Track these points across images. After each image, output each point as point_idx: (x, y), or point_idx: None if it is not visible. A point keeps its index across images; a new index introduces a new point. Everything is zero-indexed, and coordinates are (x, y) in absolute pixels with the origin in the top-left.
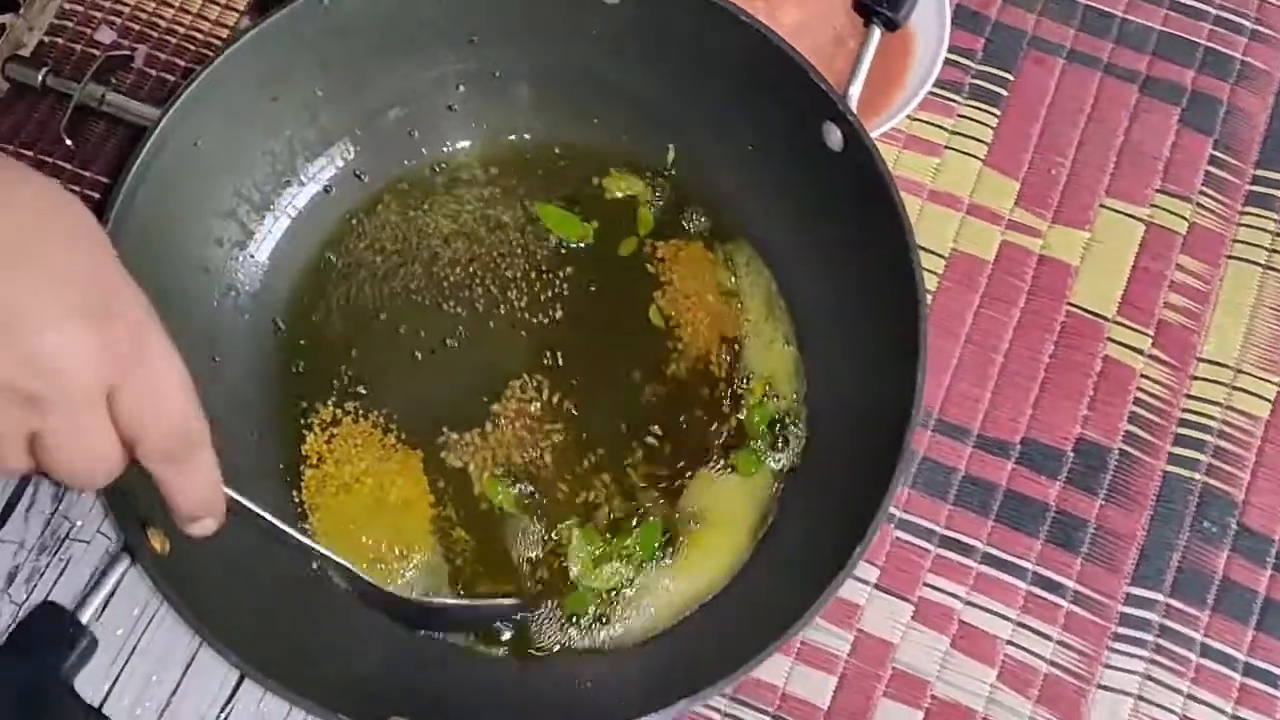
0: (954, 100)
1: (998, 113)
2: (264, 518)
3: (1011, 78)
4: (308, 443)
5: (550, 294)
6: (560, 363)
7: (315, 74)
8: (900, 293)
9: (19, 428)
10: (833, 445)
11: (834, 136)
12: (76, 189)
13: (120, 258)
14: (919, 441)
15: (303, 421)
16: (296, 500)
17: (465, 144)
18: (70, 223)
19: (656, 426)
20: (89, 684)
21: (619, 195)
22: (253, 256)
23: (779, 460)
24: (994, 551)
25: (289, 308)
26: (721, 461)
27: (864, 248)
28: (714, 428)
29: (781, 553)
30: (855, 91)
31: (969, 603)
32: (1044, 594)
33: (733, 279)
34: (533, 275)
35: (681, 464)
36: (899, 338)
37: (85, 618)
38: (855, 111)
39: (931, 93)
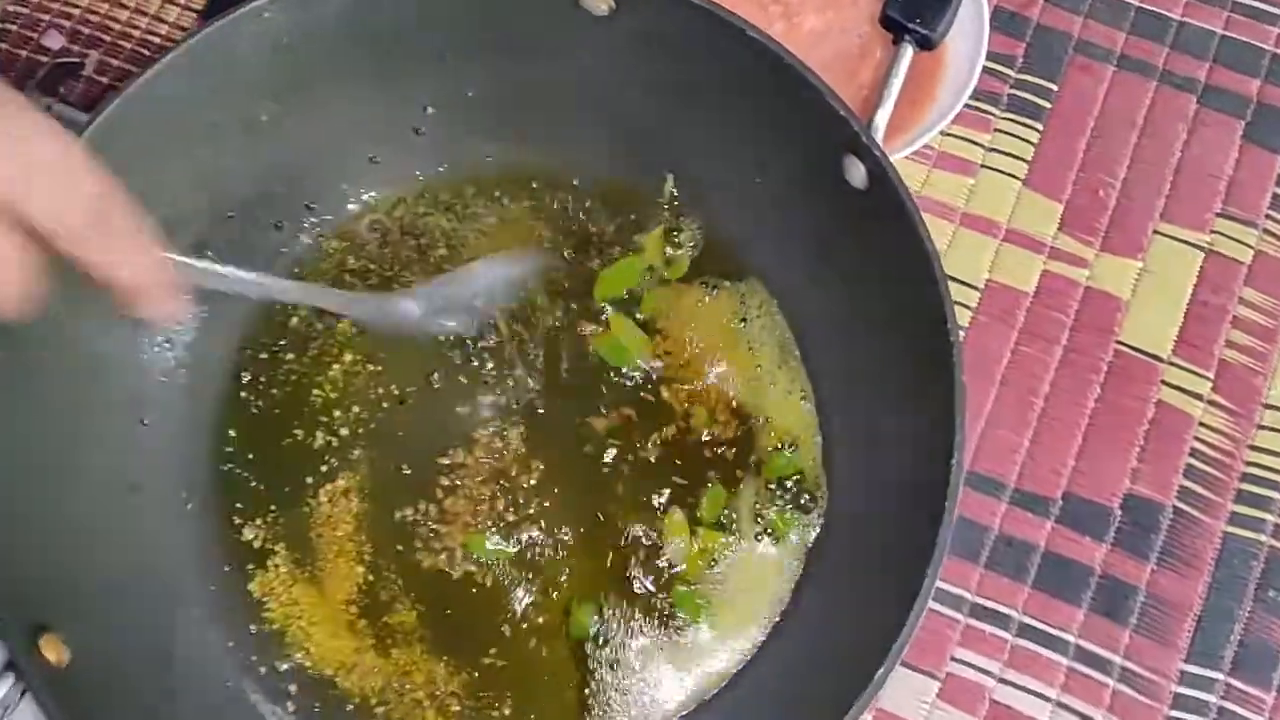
0: (990, 113)
1: (1039, 127)
2: (216, 271)
3: (1055, 88)
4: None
5: (531, 344)
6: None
7: (259, 96)
8: (932, 350)
9: None
10: (856, 517)
11: (857, 172)
12: None
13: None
14: None
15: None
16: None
17: (433, 171)
18: None
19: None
20: None
21: (610, 230)
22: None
23: (796, 530)
24: (1031, 622)
25: (233, 361)
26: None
27: (889, 296)
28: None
29: (799, 642)
30: (882, 121)
31: (1003, 680)
32: (1088, 671)
33: (742, 323)
34: (510, 323)
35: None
36: (929, 401)
37: None
38: (882, 145)
39: (966, 105)
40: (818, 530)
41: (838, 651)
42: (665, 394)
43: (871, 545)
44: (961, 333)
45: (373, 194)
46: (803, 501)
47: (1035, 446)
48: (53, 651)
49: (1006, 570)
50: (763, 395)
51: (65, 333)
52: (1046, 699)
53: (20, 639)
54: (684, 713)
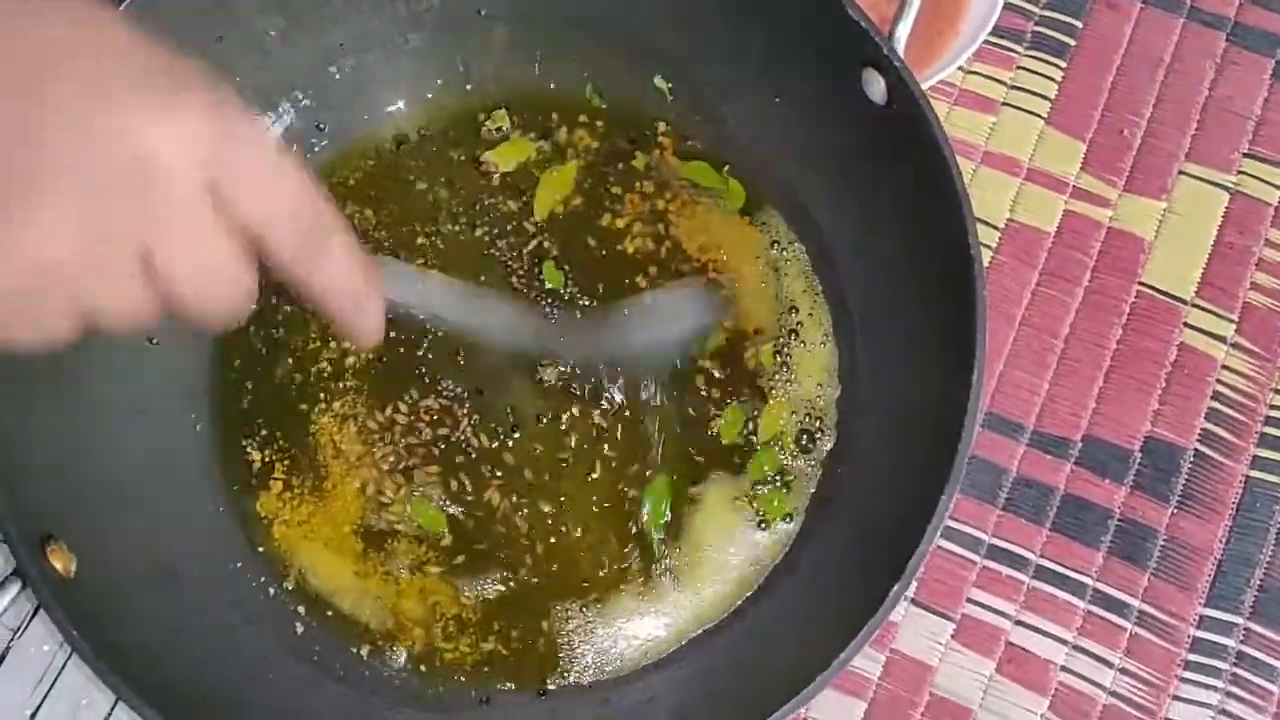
0: (1013, 50)
1: (1063, 65)
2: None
3: (1080, 25)
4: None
5: (539, 268)
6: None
7: (269, 9)
8: (953, 272)
9: (125, 260)
10: (869, 454)
11: (876, 87)
12: None
13: None
14: None
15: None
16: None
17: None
18: (106, 19)
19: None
20: None
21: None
22: None
23: (803, 467)
24: (1049, 564)
25: None
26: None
27: (911, 219)
28: (733, 428)
29: (805, 576)
30: (903, 33)
31: (1019, 622)
32: (1105, 614)
33: (768, 254)
34: (522, 246)
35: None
36: (950, 324)
37: None
38: (902, 57)
39: (988, 41)
40: (822, 469)
41: (848, 578)
42: None
43: (882, 479)
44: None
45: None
46: (812, 440)
47: (1055, 388)
48: (59, 560)
49: (1024, 512)
50: (778, 319)
51: None
52: (1063, 642)
53: (27, 546)
54: (679, 645)
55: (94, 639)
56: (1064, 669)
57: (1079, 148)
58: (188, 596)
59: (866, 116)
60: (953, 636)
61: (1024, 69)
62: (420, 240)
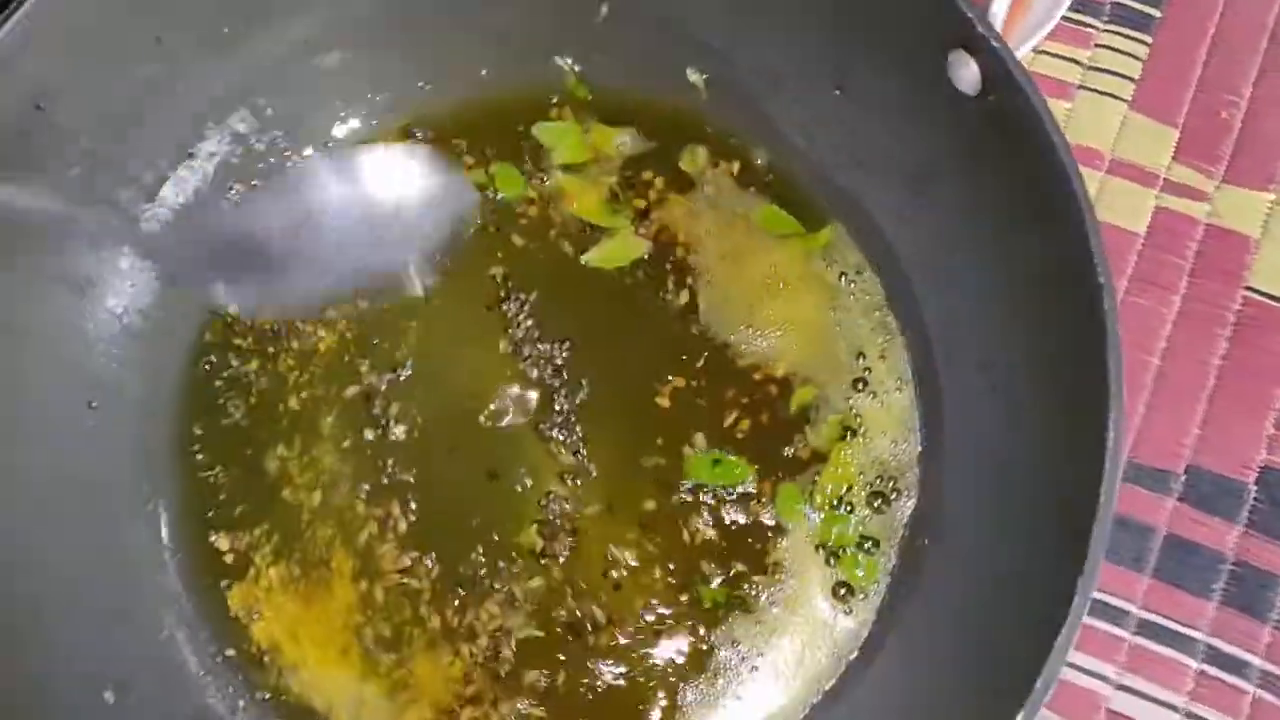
0: (1091, 26)
1: (1148, 40)
2: None
3: None
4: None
5: (561, 312)
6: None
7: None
8: (1072, 297)
9: None
10: (960, 522)
11: (967, 72)
12: None
13: None
14: None
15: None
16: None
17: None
18: None
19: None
20: None
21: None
22: (141, 259)
23: (882, 531)
24: (1152, 617)
25: (200, 325)
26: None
27: (1013, 235)
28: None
29: (887, 676)
30: (1001, 8)
31: (1121, 686)
32: (1222, 675)
33: (819, 281)
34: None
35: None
36: (1068, 361)
37: None
38: (1001, 35)
39: (1065, 18)
40: (901, 540)
41: (941, 683)
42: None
43: (979, 554)
44: None
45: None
46: (887, 503)
47: (1152, 413)
48: None
49: (1122, 557)
50: (842, 375)
51: None
52: (1173, 708)
53: None
54: None
55: None
56: None
57: (1170, 134)
58: (140, 715)
59: (953, 110)
60: (1045, 705)
61: (1103, 46)
62: None
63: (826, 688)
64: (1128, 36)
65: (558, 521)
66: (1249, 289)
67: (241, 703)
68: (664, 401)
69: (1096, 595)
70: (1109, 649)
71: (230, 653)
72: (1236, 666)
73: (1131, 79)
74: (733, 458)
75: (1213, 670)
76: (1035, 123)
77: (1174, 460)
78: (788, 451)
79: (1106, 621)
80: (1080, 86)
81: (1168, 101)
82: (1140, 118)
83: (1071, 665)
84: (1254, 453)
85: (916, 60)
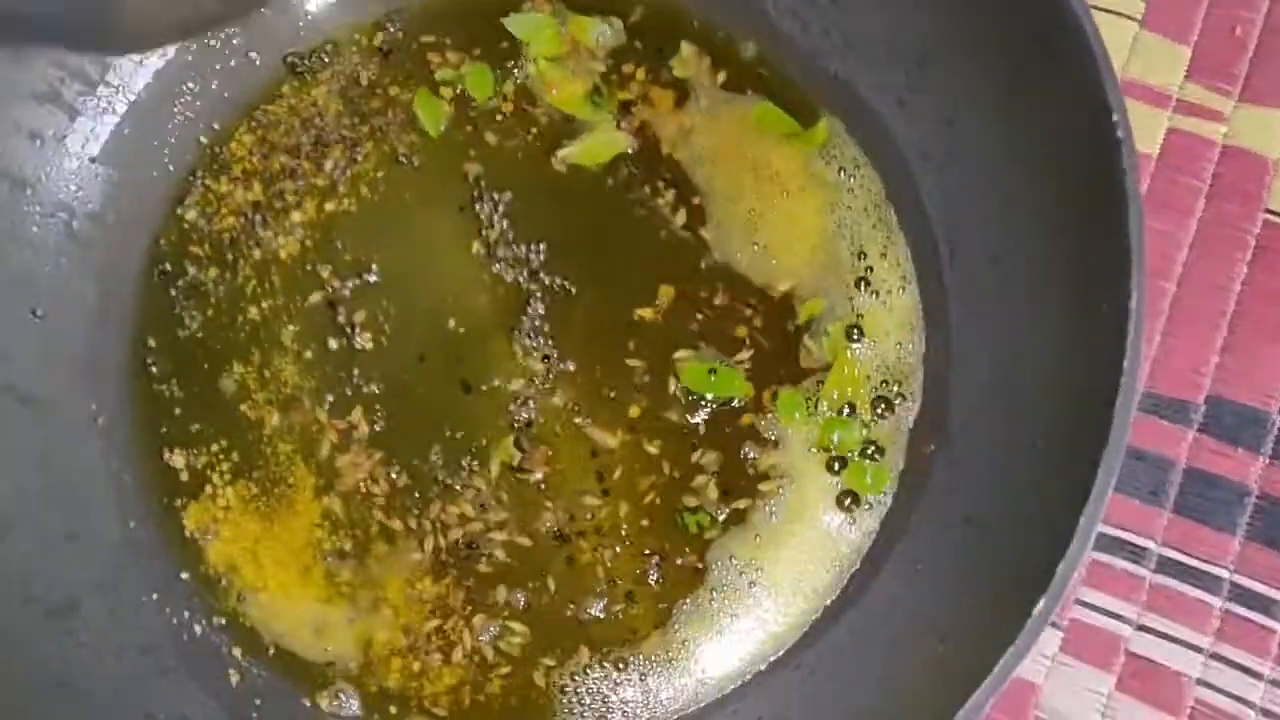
0: None
1: None
2: None
3: None
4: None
5: (537, 212)
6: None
7: None
8: (1089, 169)
9: None
10: (970, 425)
11: None
12: None
13: None
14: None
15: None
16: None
17: None
18: None
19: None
20: None
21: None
22: (92, 161)
23: (888, 436)
24: (1173, 554)
25: (154, 232)
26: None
27: (1020, 109)
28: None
29: (893, 585)
30: None
31: (1141, 627)
32: (1248, 614)
33: (816, 179)
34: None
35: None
36: (1086, 244)
37: None
38: None
39: None
40: (908, 445)
41: (951, 589)
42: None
43: (990, 458)
44: None
45: None
46: (890, 409)
47: (1170, 340)
48: None
49: (1139, 492)
50: (842, 277)
51: None
52: (1197, 649)
53: None
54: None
55: None
56: (1201, 683)
57: (1182, 53)
58: (82, 640)
59: None
60: (1061, 648)
61: None
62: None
63: (828, 603)
64: None
65: (535, 433)
66: (1270, 211)
67: (198, 628)
68: (650, 309)
69: (1113, 531)
70: (1128, 588)
71: (185, 575)
72: (1264, 604)
73: None
74: (730, 368)
75: (1238, 609)
76: None
77: (1193, 390)
78: (788, 359)
79: (1124, 559)
80: (1091, 7)
81: (1179, 18)
82: (1152, 36)
83: (1088, 605)
84: (1277, 381)
85: None
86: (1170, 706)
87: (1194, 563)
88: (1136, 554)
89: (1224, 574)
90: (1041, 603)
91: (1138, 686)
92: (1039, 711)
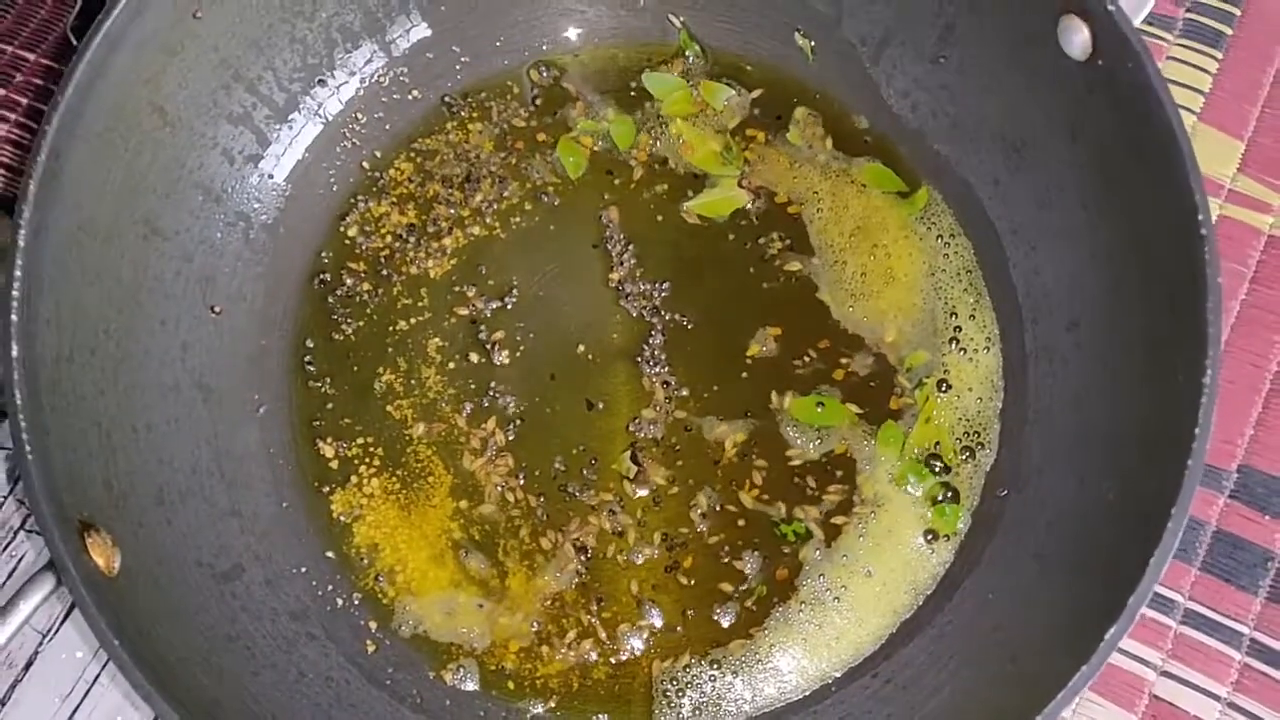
0: (1163, 39)
1: (1219, 55)
2: None
3: (1238, 12)
4: (323, 449)
5: (662, 254)
6: (670, 355)
7: None
8: (1171, 254)
9: None
10: (1042, 473)
11: (1077, 38)
12: None
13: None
14: None
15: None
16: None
17: (570, 33)
18: None
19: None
20: None
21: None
22: (270, 177)
23: (966, 481)
24: (1199, 608)
25: (317, 246)
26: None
27: (1110, 197)
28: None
29: (965, 610)
30: None
31: (1165, 673)
32: (1265, 668)
33: (916, 243)
34: (637, 234)
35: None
36: (1163, 320)
37: None
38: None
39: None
40: (984, 488)
41: (1020, 619)
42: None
43: (1059, 503)
44: None
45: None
46: (971, 455)
47: None
48: (100, 554)
49: None
50: (936, 332)
51: (131, 203)
52: (1215, 697)
53: (65, 535)
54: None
55: (135, 646)
56: None
57: (1236, 147)
58: (247, 602)
59: (1057, 77)
60: (1090, 687)
61: (1174, 59)
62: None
63: (904, 620)
64: (1199, 51)
65: (650, 450)
66: None
67: (340, 601)
68: (758, 346)
69: None
70: (1155, 635)
71: (330, 554)
72: (1279, 661)
73: (1201, 92)
74: (835, 401)
75: (1256, 664)
76: (1143, 79)
77: (1227, 459)
78: (881, 404)
79: (1154, 609)
80: None
81: (1235, 115)
82: (1208, 129)
83: (1118, 648)
84: None
85: (1024, 26)
86: None
87: (1217, 617)
88: (1165, 605)
89: (1244, 630)
90: (1112, 630)
91: None
92: None
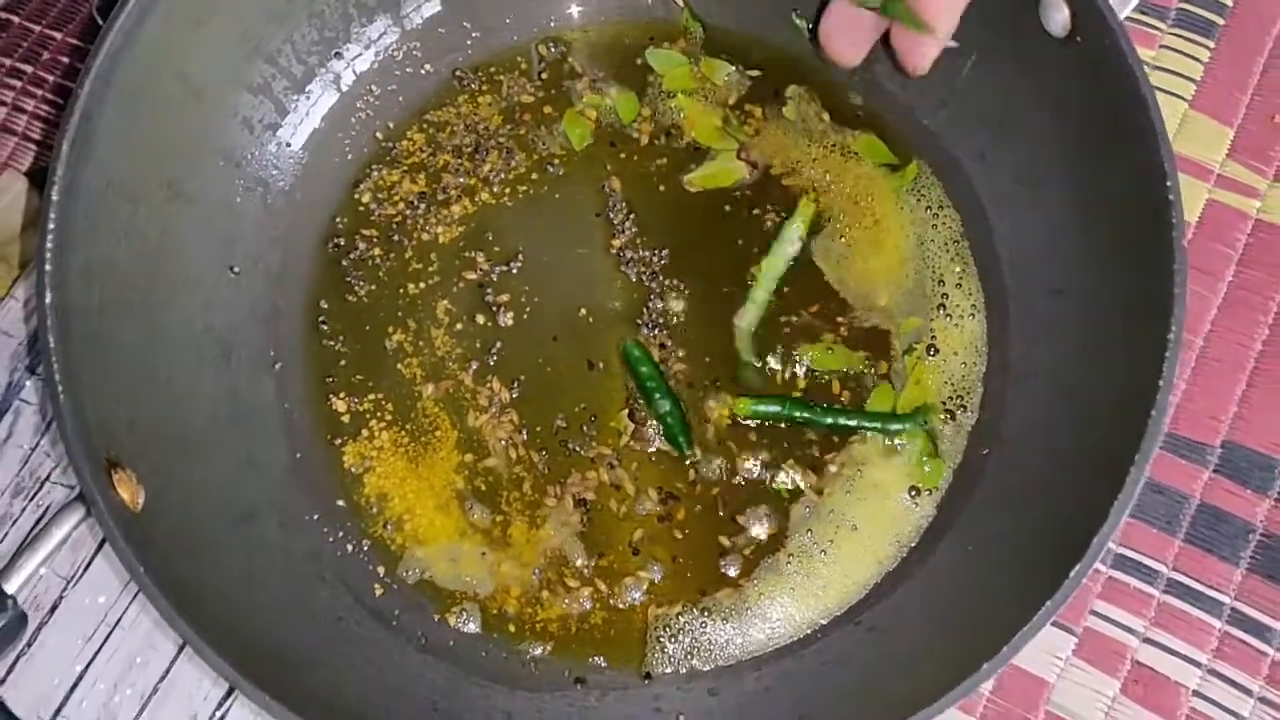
0: (1156, 28)
1: (1210, 44)
2: None
3: (1229, 2)
4: (335, 404)
5: (662, 223)
6: (673, 315)
7: None
8: (1145, 229)
9: None
10: (1020, 433)
11: (1057, 17)
12: None
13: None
14: None
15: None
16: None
17: (574, 10)
18: None
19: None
20: (46, 664)
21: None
22: (288, 145)
23: (950, 438)
24: (1182, 578)
25: (332, 211)
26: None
27: (1089, 171)
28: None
29: (945, 563)
30: None
31: (1147, 639)
32: (1244, 636)
33: (906, 214)
34: (639, 195)
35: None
36: (1135, 291)
37: (11, 586)
38: None
39: (1129, 18)
40: (966, 446)
41: (994, 572)
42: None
43: (1036, 461)
44: None
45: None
46: (953, 417)
47: (1193, 388)
48: (126, 489)
49: (1156, 520)
50: (925, 299)
51: (156, 166)
52: (1196, 664)
53: (93, 468)
54: (803, 634)
55: (160, 576)
56: (1197, 694)
57: (1225, 133)
58: (262, 544)
59: (1038, 55)
60: (1074, 651)
61: (1167, 48)
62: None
63: (889, 571)
64: (1191, 40)
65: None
66: None
67: (350, 546)
68: None
69: (1129, 553)
70: (1139, 604)
71: (341, 503)
72: (1259, 630)
73: (1193, 80)
74: (843, 347)
75: (1236, 632)
76: (1119, 59)
77: (1211, 434)
78: (873, 367)
79: (1138, 579)
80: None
81: (1225, 103)
82: (1199, 116)
83: (1102, 616)
84: None
85: (1008, 7)
86: (1167, 713)
87: (1200, 587)
88: (1148, 575)
89: (1225, 600)
90: (1077, 567)
91: (1140, 692)
92: (1049, 707)
